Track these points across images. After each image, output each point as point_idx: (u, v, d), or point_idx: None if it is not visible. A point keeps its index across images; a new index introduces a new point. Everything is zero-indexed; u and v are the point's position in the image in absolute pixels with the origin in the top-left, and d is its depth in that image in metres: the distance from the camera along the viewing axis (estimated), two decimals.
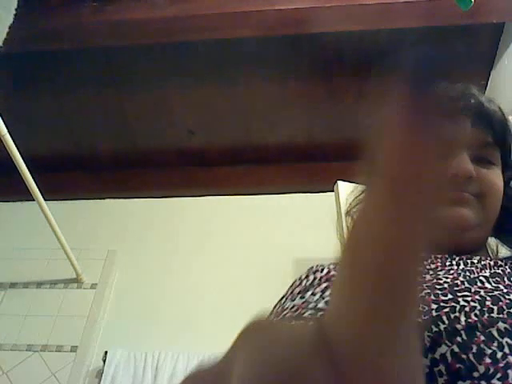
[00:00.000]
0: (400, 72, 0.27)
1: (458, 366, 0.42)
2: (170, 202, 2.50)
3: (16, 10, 1.42)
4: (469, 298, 0.47)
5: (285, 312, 0.53)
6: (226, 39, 2.01)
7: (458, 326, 0.44)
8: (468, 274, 0.53)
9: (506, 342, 0.43)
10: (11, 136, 1.62)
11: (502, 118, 0.68)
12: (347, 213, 0.74)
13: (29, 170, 1.73)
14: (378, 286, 0.23)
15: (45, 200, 1.84)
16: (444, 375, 0.42)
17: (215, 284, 2.16)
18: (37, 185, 1.78)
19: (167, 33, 1.96)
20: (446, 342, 0.44)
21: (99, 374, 1.93)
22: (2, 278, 2.25)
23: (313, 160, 2.47)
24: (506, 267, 0.56)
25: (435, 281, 0.50)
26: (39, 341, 2.04)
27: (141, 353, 1.93)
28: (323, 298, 0.51)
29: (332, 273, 0.56)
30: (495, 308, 0.46)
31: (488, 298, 0.47)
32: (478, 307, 0.46)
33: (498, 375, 0.41)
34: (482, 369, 0.42)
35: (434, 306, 0.47)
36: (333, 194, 1.85)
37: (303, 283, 0.57)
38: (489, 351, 0.43)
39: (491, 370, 0.41)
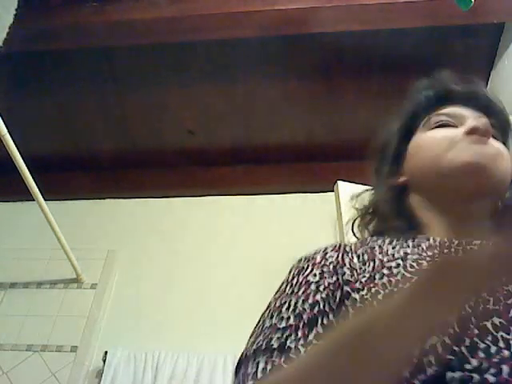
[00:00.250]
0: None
1: (449, 357, 0.42)
2: (170, 202, 2.50)
3: (16, 10, 1.42)
4: None
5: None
6: (226, 39, 2.01)
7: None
8: None
9: (502, 336, 0.43)
10: (11, 136, 1.62)
11: (506, 114, 0.72)
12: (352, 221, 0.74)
13: (29, 170, 1.73)
14: None
15: (45, 200, 1.84)
16: (433, 366, 0.42)
17: (215, 284, 2.16)
18: (37, 185, 1.78)
19: (167, 33, 1.96)
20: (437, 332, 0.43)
21: (99, 374, 1.93)
22: (1, 278, 2.25)
23: (313, 160, 2.46)
24: None
25: None
26: (39, 341, 2.04)
27: (141, 353, 1.93)
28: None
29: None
30: (491, 299, 0.45)
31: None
32: (473, 298, 0.45)
33: (492, 370, 0.41)
34: (474, 362, 0.41)
35: None
36: (333, 193, 1.85)
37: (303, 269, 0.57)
38: (482, 345, 0.42)
39: (484, 365, 0.41)
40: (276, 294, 0.57)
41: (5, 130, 1.60)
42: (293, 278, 0.56)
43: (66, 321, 2.10)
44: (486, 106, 0.69)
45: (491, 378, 0.40)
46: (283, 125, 2.41)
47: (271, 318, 0.52)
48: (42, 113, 2.41)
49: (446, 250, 0.56)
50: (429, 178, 0.64)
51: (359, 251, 0.58)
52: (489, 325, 0.44)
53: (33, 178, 1.75)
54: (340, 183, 1.80)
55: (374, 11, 1.85)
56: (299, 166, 2.49)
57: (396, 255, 0.55)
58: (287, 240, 2.20)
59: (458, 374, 0.41)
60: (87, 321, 2.08)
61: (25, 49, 1.97)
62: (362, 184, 0.82)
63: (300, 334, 0.48)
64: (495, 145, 0.64)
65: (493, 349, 0.42)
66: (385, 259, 0.54)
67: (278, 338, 0.48)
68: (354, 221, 0.73)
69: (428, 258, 0.53)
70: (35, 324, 2.09)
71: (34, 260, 2.30)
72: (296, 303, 0.52)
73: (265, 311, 0.55)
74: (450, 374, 0.41)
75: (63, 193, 2.51)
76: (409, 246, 0.57)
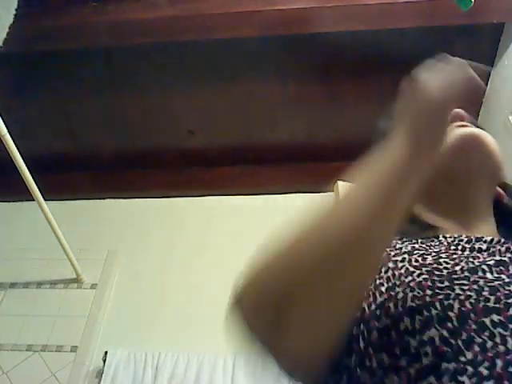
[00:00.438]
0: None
1: (444, 348, 0.43)
2: (170, 201, 2.50)
3: (16, 10, 1.42)
4: (465, 287, 0.47)
5: None
6: (226, 39, 2.01)
7: (451, 314, 0.45)
8: (471, 260, 0.52)
9: (499, 332, 0.44)
10: (11, 136, 1.62)
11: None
12: None
13: (29, 170, 1.73)
14: None
15: (45, 200, 1.84)
16: (429, 356, 0.43)
17: (215, 284, 2.16)
18: (37, 185, 1.78)
19: (167, 33, 1.96)
20: (436, 326, 0.44)
21: (99, 374, 1.93)
22: (1, 278, 2.25)
23: (313, 160, 2.46)
24: None
25: (435, 265, 0.51)
26: (39, 341, 2.04)
27: (141, 353, 1.93)
28: None
29: None
30: (492, 298, 0.46)
31: (486, 288, 0.47)
32: (474, 296, 0.46)
33: (486, 364, 0.42)
34: (469, 355, 0.42)
35: (429, 292, 0.47)
36: (333, 194, 1.85)
37: None
38: (479, 340, 0.43)
39: (479, 358, 0.42)
40: None
41: (5, 130, 1.60)
42: None
43: (66, 321, 2.10)
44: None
45: (485, 371, 0.41)
46: (283, 125, 2.41)
47: None
48: (42, 113, 2.41)
49: (453, 247, 0.56)
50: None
51: None
52: (487, 321, 0.44)
53: (33, 178, 1.75)
54: (340, 183, 1.80)
55: (374, 11, 1.85)
56: (299, 166, 2.49)
57: (403, 249, 0.56)
58: None
59: (452, 365, 0.42)
60: (87, 321, 2.08)
61: (25, 49, 1.97)
62: None
63: None
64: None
65: (489, 344, 0.43)
66: (392, 253, 0.55)
67: None
68: None
69: (434, 254, 0.54)
70: (35, 324, 2.09)
71: (34, 260, 2.29)
72: None
73: None
74: (444, 365, 0.42)
75: (63, 193, 2.51)
76: (417, 242, 0.58)
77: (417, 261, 0.52)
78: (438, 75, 0.50)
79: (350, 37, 2.02)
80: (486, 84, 2.13)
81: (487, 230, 0.63)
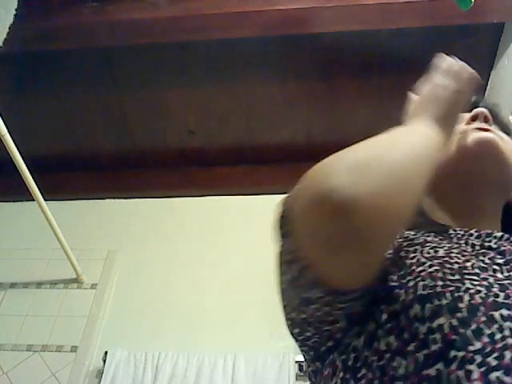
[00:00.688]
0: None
1: (453, 337, 0.43)
2: (170, 201, 2.50)
3: (16, 10, 1.42)
4: (476, 283, 0.48)
5: None
6: (226, 39, 2.01)
7: (461, 305, 0.45)
8: (481, 258, 0.53)
9: (508, 326, 0.44)
10: (11, 136, 1.62)
11: (505, 118, 0.76)
12: None
13: (29, 170, 1.73)
14: None
15: (45, 200, 1.84)
16: (438, 343, 0.44)
17: (215, 284, 2.16)
18: (37, 185, 1.78)
19: (167, 33, 1.96)
20: (446, 314, 0.45)
21: (99, 373, 1.93)
22: (1, 278, 2.25)
23: (313, 160, 2.42)
24: None
25: (447, 258, 0.51)
26: (39, 341, 2.04)
27: (141, 353, 1.93)
28: None
29: None
30: (501, 294, 0.47)
31: (496, 285, 0.48)
32: (484, 291, 0.47)
33: (495, 354, 0.42)
34: (478, 345, 0.43)
35: (440, 283, 0.48)
36: None
37: None
38: (488, 331, 0.43)
39: (488, 349, 0.42)
40: None
41: (5, 130, 1.60)
42: None
43: (66, 321, 2.10)
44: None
45: (493, 362, 0.41)
46: (283, 125, 2.41)
47: None
48: (42, 113, 2.41)
49: (463, 243, 0.57)
50: (438, 176, 0.66)
51: None
52: (496, 314, 0.45)
53: (33, 178, 1.75)
54: None
55: (374, 11, 1.85)
56: (299, 166, 2.46)
57: (416, 241, 0.56)
58: None
59: (461, 354, 0.43)
60: (87, 321, 2.09)
61: (25, 49, 1.97)
62: None
63: None
64: (499, 132, 0.67)
65: (497, 336, 0.43)
66: (404, 243, 0.56)
67: None
68: None
69: (445, 247, 0.54)
70: (35, 324, 2.09)
71: (34, 260, 2.30)
72: None
73: None
74: (453, 353, 0.43)
75: (63, 193, 2.51)
76: (429, 235, 0.59)
77: (428, 253, 0.53)
78: (456, 68, 0.61)
79: (349, 37, 2.02)
80: (486, 84, 2.13)
81: (493, 226, 0.63)
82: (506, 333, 0.43)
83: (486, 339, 0.43)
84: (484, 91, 2.13)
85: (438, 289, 0.47)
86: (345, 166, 0.46)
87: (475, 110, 0.68)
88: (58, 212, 1.98)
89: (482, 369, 0.41)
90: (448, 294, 0.46)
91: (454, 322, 0.44)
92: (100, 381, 1.88)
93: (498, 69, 2.08)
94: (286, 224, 0.49)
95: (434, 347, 0.44)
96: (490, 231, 0.59)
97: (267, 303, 2.09)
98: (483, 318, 0.44)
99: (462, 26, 1.93)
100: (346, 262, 0.45)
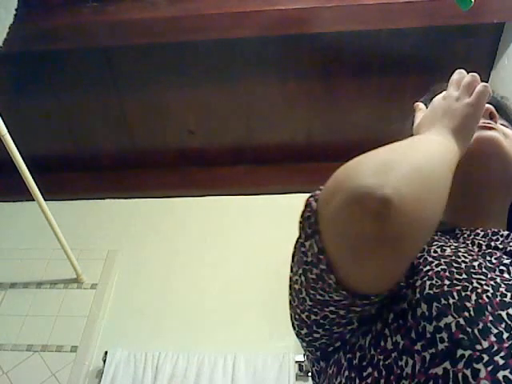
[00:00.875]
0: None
1: (460, 335, 0.43)
2: (170, 201, 2.50)
3: (16, 10, 1.42)
4: (483, 282, 0.48)
5: None
6: (225, 39, 2.01)
7: (468, 304, 0.45)
8: (488, 258, 0.53)
9: None
10: (11, 136, 1.62)
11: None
12: None
13: (29, 170, 1.73)
14: None
15: (45, 200, 1.84)
16: (445, 342, 0.44)
17: (215, 284, 2.16)
18: (37, 185, 1.78)
19: (167, 33, 1.96)
20: (453, 314, 0.45)
21: (99, 373, 1.93)
22: (1, 278, 2.25)
23: (313, 160, 2.46)
24: None
25: (454, 258, 0.51)
26: (39, 341, 2.04)
27: (141, 353, 1.93)
28: None
29: None
30: (509, 294, 0.47)
31: (503, 285, 0.48)
32: (491, 291, 0.47)
33: (502, 353, 0.42)
34: (485, 344, 0.43)
35: (447, 282, 0.48)
36: None
37: None
38: (495, 331, 0.43)
39: (495, 348, 0.42)
40: None
41: (5, 130, 1.60)
42: None
43: (66, 321, 2.10)
44: (494, 104, 0.70)
45: (501, 361, 0.41)
46: (283, 125, 2.41)
47: None
48: (42, 113, 2.41)
49: (469, 242, 0.57)
50: None
51: None
52: (504, 314, 0.45)
53: (33, 178, 1.75)
54: None
55: (374, 11, 1.85)
56: (299, 166, 2.49)
57: None
58: (287, 240, 2.19)
59: (468, 353, 0.42)
60: (87, 321, 2.08)
61: (25, 49, 1.97)
62: None
63: None
64: (504, 129, 0.67)
65: (505, 335, 0.43)
66: None
67: None
68: None
69: (452, 247, 0.54)
70: (35, 324, 2.09)
71: (34, 260, 2.30)
72: None
73: None
74: (460, 352, 0.43)
75: (63, 193, 2.51)
76: (436, 235, 0.59)
77: (435, 252, 0.53)
78: (468, 80, 0.62)
79: (349, 37, 2.02)
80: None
81: (498, 225, 0.64)
82: None
83: (493, 338, 0.43)
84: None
85: (445, 288, 0.47)
86: (379, 166, 0.45)
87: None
88: (58, 212, 1.98)
89: (489, 368, 0.41)
90: (455, 293, 0.46)
91: (461, 321, 0.44)
92: (100, 381, 1.88)
93: (498, 69, 2.08)
94: (312, 224, 0.48)
95: (441, 346, 0.44)
96: (496, 230, 0.59)
97: (267, 303, 2.09)
98: (490, 318, 0.44)
99: (462, 26, 1.92)
100: (375, 266, 0.44)
